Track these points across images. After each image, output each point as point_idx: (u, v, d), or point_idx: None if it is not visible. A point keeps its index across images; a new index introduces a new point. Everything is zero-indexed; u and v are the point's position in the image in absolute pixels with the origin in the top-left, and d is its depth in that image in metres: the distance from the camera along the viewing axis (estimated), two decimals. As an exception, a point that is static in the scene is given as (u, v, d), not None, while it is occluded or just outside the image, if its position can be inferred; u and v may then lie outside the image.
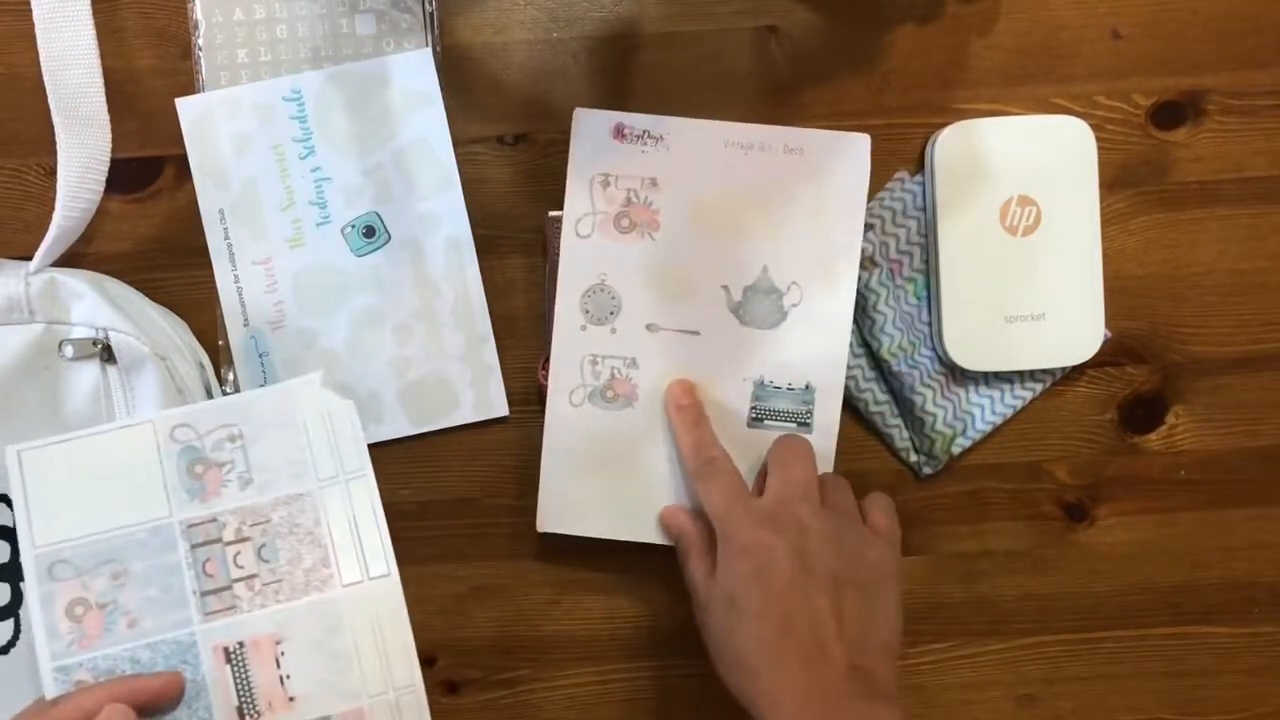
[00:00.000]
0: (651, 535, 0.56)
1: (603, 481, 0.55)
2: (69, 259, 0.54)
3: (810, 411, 0.55)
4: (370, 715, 0.48)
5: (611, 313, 0.55)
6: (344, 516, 0.49)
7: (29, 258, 0.52)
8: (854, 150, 0.54)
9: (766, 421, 0.55)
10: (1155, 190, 0.57)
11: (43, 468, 0.48)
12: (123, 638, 0.47)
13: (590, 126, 0.54)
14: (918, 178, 0.56)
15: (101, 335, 0.51)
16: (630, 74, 0.56)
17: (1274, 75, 0.57)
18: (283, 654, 0.48)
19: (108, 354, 0.51)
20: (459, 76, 0.56)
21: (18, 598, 0.52)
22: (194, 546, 0.48)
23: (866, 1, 0.56)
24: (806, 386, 0.55)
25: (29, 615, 0.47)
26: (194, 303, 0.56)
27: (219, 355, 0.56)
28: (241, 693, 0.47)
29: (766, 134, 0.54)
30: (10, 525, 0.51)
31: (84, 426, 0.51)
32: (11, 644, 0.52)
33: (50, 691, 0.47)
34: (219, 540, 0.48)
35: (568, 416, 0.55)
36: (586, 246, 0.55)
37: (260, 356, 0.55)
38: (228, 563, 0.48)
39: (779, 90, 0.56)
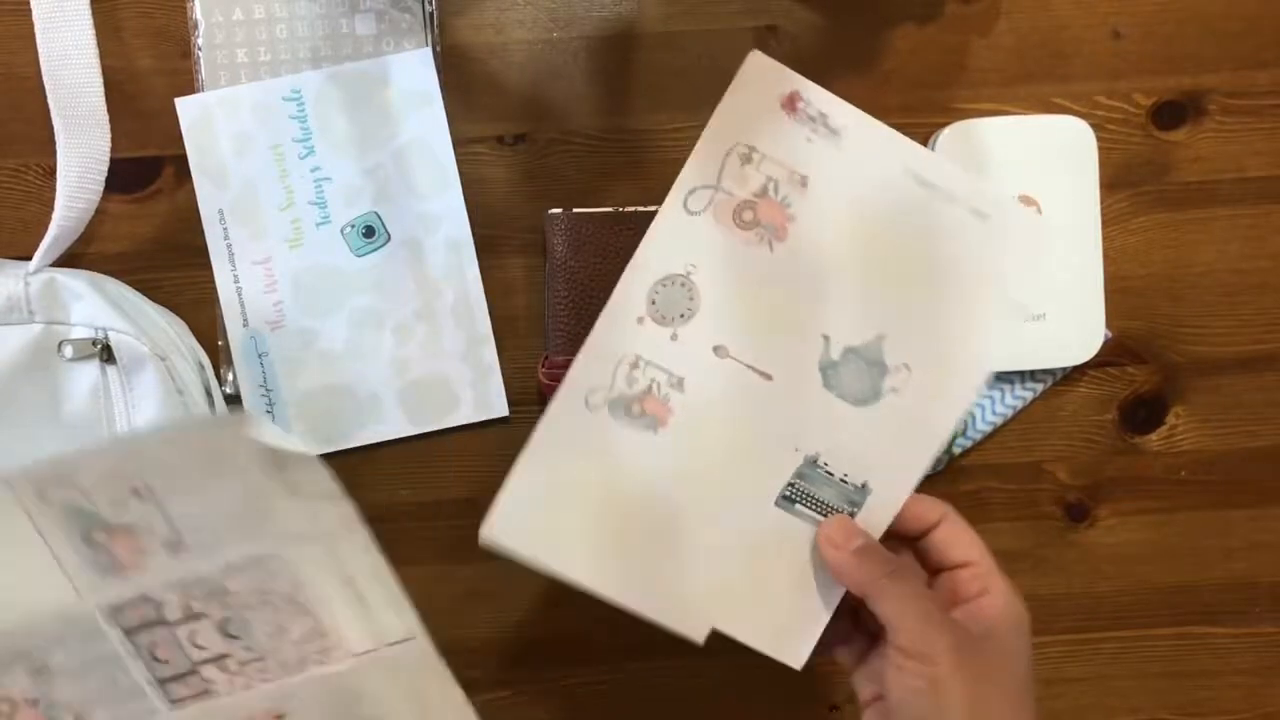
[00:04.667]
0: (637, 601, 0.45)
1: (593, 516, 0.45)
2: (69, 259, 0.54)
3: (854, 515, 0.46)
4: None
5: (682, 315, 0.45)
6: (334, 577, 0.39)
7: (29, 258, 0.52)
8: (1032, 231, 0.44)
9: (799, 505, 0.46)
10: (1155, 190, 0.57)
11: None
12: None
13: (761, 80, 0.44)
14: (918, 178, 0.56)
15: (101, 335, 0.51)
16: (630, 74, 0.56)
17: (1274, 75, 0.57)
18: None
19: (107, 354, 0.51)
20: (459, 76, 0.56)
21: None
22: (129, 632, 0.39)
23: (866, 1, 0.56)
24: (863, 486, 0.46)
25: None
26: (194, 303, 0.56)
27: (218, 355, 0.55)
28: None
29: (957, 180, 0.44)
30: None
31: (84, 427, 0.51)
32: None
33: None
34: (161, 621, 0.39)
35: (575, 419, 0.45)
36: (687, 226, 0.44)
37: (260, 356, 0.55)
38: (182, 645, 0.40)
39: (779, 90, 0.56)
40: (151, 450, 0.38)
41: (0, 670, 0.39)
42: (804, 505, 0.46)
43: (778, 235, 0.44)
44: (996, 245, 0.45)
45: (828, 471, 0.45)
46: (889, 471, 0.46)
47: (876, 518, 0.46)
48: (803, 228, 0.44)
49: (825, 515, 0.46)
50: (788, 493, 0.46)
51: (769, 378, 0.45)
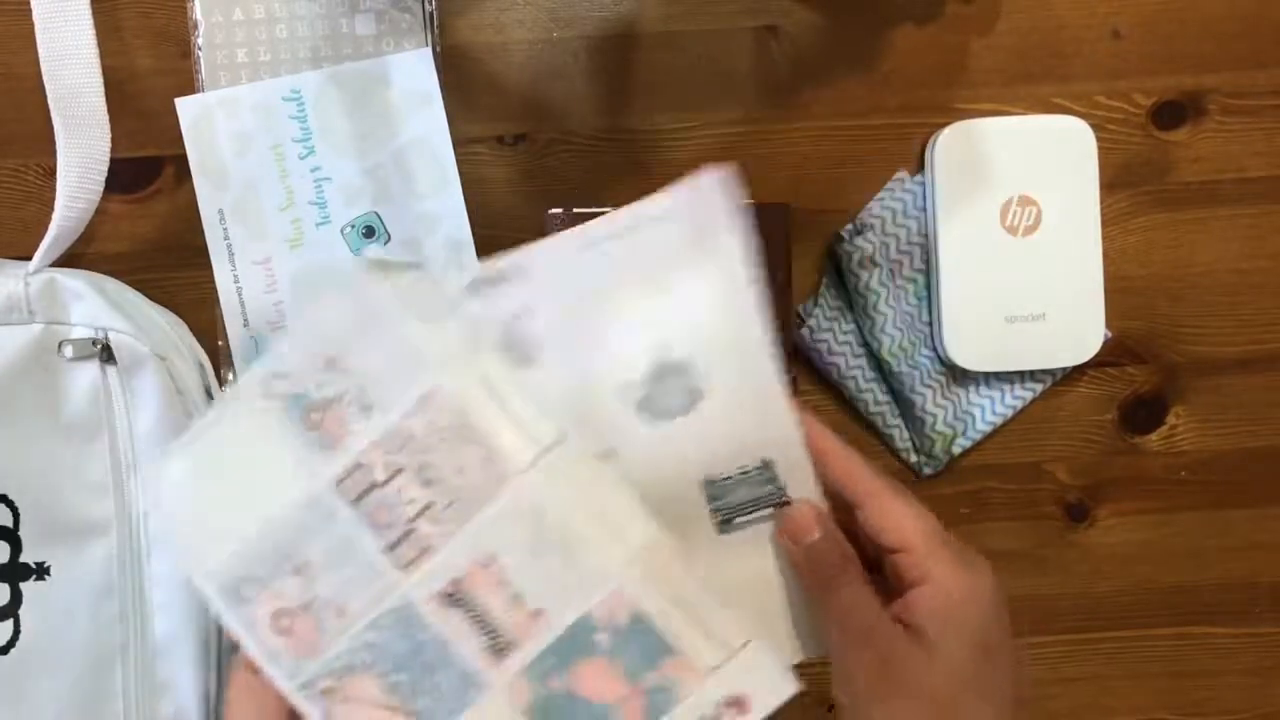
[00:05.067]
0: None
1: None
2: (68, 259, 0.54)
3: (783, 489, 0.45)
4: (628, 593, 0.41)
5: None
6: (482, 393, 0.40)
7: (29, 258, 0.52)
8: (715, 192, 0.44)
9: (738, 520, 0.45)
10: (1155, 190, 0.57)
11: (177, 484, 0.42)
12: (343, 629, 0.41)
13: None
14: (918, 178, 0.56)
15: (101, 335, 0.51)
16: (630, 74, 0.56)
17: (1274, 75, 0.57)
18: (503, 570, 0.41)
19: (107, 354, 0.51)
20: (459, 76, 0.56)
21: (17, 597, 0.52)
22: (354, 503, 0.41)
23: (866, 1, 0.56)
24: (763, 464, 0.45)
25: (245, 645, 0.41)
26: (194, 303, 0.56)
27: (218, 355, 0.55)
28: (483, 631, 0.41)
29: (625, 219, 0.45)
30: (9, 526, 0.51)
31: (83, 427, 0.51)
32: (11, 644, 0.52)
33: (311, 713, 0.41)
34: (374, 484, 0.41)
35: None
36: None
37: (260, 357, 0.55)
38: (396, 504, 0.41)
39: (779, 90, 0.56)
40: (321, 324, 0.41)
41: (271, 576, 0.41)
42: (741, 516, 0.45)
43: (537, 351, 0.44)
44: (686, 227, 0.44)
45: (725, 477, 0.45)
46: (767, 435, 0.44)
47: (799, 480, 0.45)
48: (551, 337, 0.44)
49: (762, 509, 0.45)
50: (720, 518, 0.45)
51: (614, 451, 0.44)
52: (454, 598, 0.41)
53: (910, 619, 0.42)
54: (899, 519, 0.43)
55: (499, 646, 0.41)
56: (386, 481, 0.41)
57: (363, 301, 0.41)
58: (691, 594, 0.41)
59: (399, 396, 0.40)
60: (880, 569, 0.44)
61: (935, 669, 0.41)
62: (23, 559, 0.52)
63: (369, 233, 0.55)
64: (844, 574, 0.43)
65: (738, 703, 0.41)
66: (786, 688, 0.41)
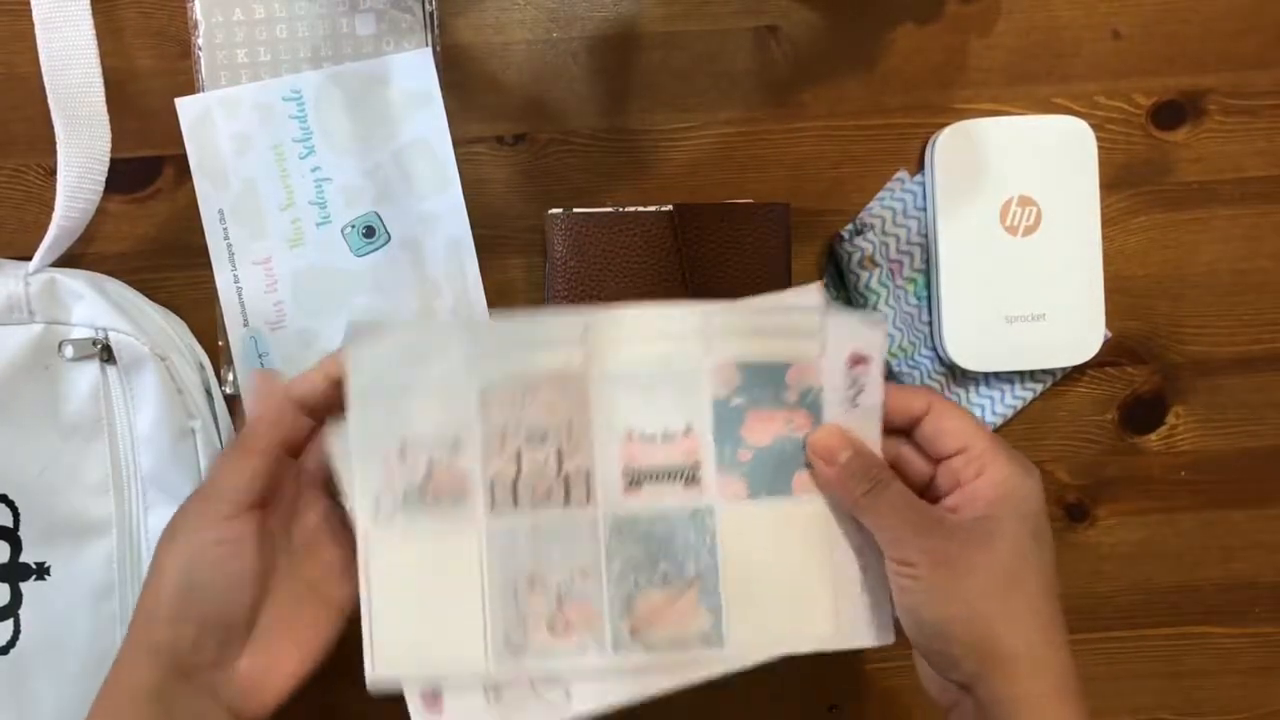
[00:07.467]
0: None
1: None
2: (69, 259, 0.54)
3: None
4: (721, 360, 0.45)
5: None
6: (506, 360, 0.45)
7: (29, 258, 0.52)
8: None
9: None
10: (1155, 190, 0.57)
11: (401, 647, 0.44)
12: (598, 584, 0.45)
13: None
14: (918, 178, 0.56)
15: (101, 335, 0.51)
16: (630, 74, 0.56)
17: (1274, 75, 0.57)
18: (641, 431, 0.45)
19: (107, 354, 0.51)
20: (459, 76, 0.56)
21: (18, 597, 0.52)
22: (516, 505, 0.45)
23: (866, 1, 0.56)
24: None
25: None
26: (194, 303, 0.56)
27: (218, 355, 0.55)
28: (672, 478, 0.46)
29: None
30: (9, 526, 0.51)
31: (83, 427, 0.51)
32: (11, 644, 0.52)
33: (636, 660, 0.45)
34: (517, 475, 0.45)
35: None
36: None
37: (260, 357, 0.55)
38: (541, 471, 0.45)
39: (779, 90, 0.56)
40: (371, 429, 0.44)
41: (523, 613, 0.45)
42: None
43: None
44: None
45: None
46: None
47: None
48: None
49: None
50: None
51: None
52: (633, 481, 0.46)
53: (967, 508, 0.44)
54: (959, 423, 0.45)
55: (690, 475, 0.46)
56: (520, 465, 0.45)
57: (382, 387, 0.44)
58: (756, 323, 0.45)
59: (471, 416, 0.45)
60: (925, 490, 0.46)
61: (998, 546, 0.43)
62: (23, 559, 0.52)
63: (369, 233, 0.55)
64: (884, 476, 0.45)
65: (855, 359, 0.46)
66: (874, 333, 0.45)
